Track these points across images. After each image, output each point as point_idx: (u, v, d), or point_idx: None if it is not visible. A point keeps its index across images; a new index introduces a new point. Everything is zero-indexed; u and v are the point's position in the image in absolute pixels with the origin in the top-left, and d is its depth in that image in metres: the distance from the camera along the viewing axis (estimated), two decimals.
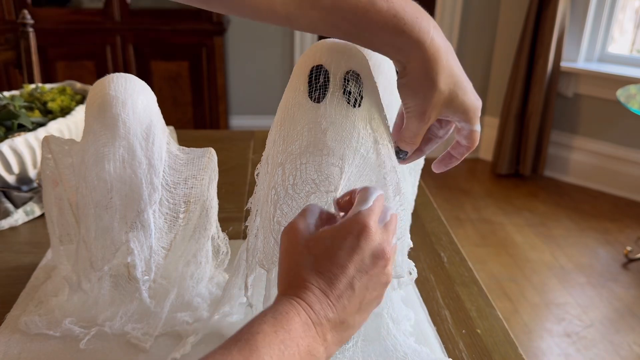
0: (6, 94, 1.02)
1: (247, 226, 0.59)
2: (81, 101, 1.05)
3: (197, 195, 0.65)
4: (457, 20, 3.11)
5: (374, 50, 0.49)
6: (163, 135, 0.62)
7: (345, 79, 0.50)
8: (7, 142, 0.85)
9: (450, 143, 0.57)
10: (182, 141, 0.78)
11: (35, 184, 0.93)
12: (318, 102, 0.50)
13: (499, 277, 2.21)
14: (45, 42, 2.70)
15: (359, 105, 0.50)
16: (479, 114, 0.53)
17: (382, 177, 0.52)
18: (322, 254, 0.43)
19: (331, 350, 0.43)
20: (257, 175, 0.56)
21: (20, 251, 0.80)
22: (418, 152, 0.57)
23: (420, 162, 0.74)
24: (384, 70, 0.67)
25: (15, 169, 0.88)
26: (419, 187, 0.88)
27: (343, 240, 0.43)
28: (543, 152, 3.04)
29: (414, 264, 0.62)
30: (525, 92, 2.99)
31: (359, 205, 0.45)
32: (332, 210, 0.49)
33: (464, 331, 0.66)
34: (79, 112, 0.97)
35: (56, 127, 0.91)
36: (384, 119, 0.53)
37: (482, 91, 3.32)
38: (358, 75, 0.50)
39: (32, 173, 0.91)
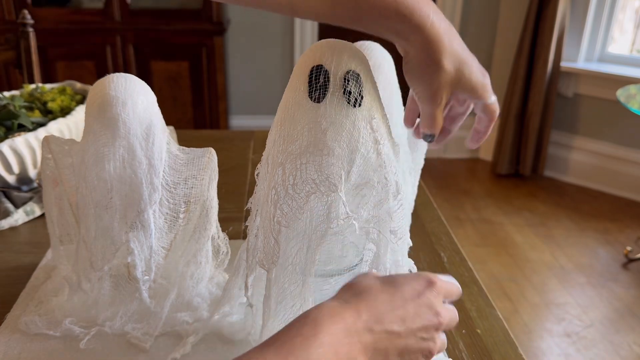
0: (6, 94, 1.02)
1: (247, 226, 0.59)
2: (81, 101, 1.04)
3: (197, 195, 0.65)
4: (457, 20, 3.11)
5: (376, 34, 0.50)
6: (163, 135, 0.62)
7: (345, 79, 0.50)
8: (7, 142, 0.85)
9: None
10: (182, 141, 0.78)
11: (35, 184, 0.93)
12: (318, 102, 0.50)
13: (499, 277, 2.21)
14: (45, 42, 2.70)
15: (359, 105, 0.50)
16: (489, 88, 0.53)
17: (383, 177, 0.52)
18: (389, 281, 0.46)
19: None
20: (257, 175, 0.56)
21: (20, 251, 0.80)
22: (445, 133, 0.58)
23: (420, 162, 0.74)
24: (384, 70, 0.67)
25: (16, 169, 0.88)
26: (419, 187, 0.88)
27: (412, 280, 0.47)
28: (543, 152, 3.04)
29: (413, 262, 0.62)
30: (525, 92, 2.99)
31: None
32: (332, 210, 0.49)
33: (463, 331, 0.66)
34: (79, 112, 0.97)
35: (56, 127, 0.91)
36: (384, 118, 0.53)
37: None
38: (358, 75, 0.50)
39: (32, 173, 0.91)
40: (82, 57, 2.88)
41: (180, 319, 0.64)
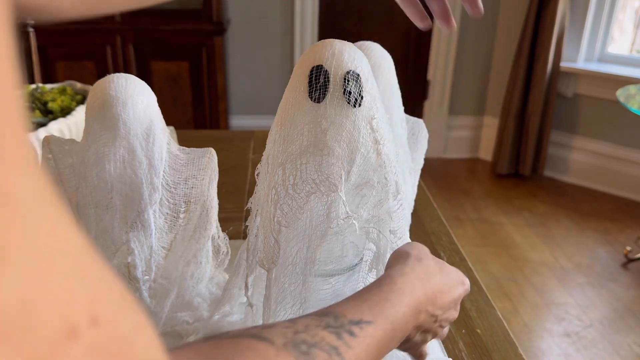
0: None
1: (247, 226, 0.59)
2: (81, 101, 1.05)
3: (197, 195, 0.65)
4: (457, 20, 3.11)
5: None
6: (163, 135, 0.62)
7: (345, 79, 0.50)
8: None
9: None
10: (182, 141, 0.78)
11: None
12: (318, 102, 0.50)
13: (499, 277, 2.21)
14: (45, 42, 2.70)
15: (359, 105, 0.50)
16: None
17: (383, 177, 0.52)
18: (440, 265, 0.51)
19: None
20: (257, 175, 0.56)
21: None
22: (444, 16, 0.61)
23: (420, 162, 0.74)
24: (384, 71, 0.67)
25: None
26: (419, 187, 0.88)
27: (454, 272, 0.51)
28: (543, 152, 3.04)
29: None
30: (525, 92, 3.00)
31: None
32: (332, 209, 0.49)
33: (463, 331, 0.66)
34: (79, 112, 0.97)
35: (56, 127, 0.91)
36: (384, 118, 0.53)
37: (482, 91, 3.32)
38: (358, 75, 0.50)
39: None
40: (82, 57, 2.88)
41: (180, 318, 0.64)
